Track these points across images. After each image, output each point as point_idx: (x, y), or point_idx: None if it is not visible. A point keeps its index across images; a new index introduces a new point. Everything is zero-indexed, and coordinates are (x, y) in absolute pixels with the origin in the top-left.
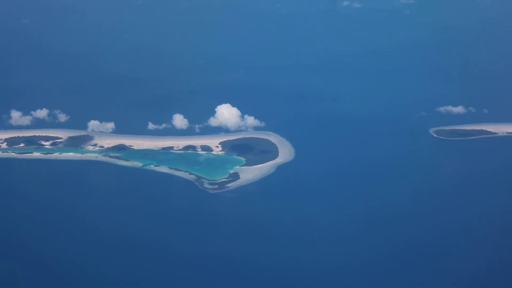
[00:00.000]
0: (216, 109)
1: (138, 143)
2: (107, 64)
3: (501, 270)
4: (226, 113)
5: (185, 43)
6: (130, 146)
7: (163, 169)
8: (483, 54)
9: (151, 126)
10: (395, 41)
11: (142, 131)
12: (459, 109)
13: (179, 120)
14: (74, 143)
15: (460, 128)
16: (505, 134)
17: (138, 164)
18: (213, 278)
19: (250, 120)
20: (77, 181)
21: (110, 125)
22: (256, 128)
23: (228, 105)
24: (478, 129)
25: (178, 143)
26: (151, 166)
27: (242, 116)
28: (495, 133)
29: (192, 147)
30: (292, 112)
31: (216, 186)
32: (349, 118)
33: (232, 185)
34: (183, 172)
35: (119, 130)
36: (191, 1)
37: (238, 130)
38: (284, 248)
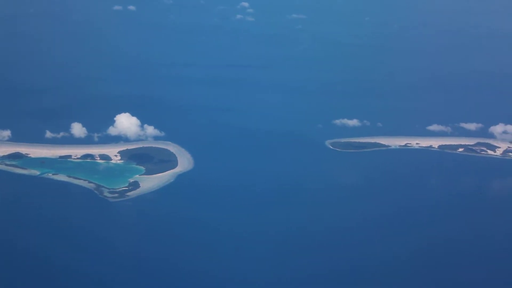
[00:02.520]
0: (115, 118)
1: (35, 151)
2: (4, 72)
3: None
4: (126, 123)
5: (83, 54)
6: (27, 154)
7: (62, 177)
8: (374, 70)
9: (48, 134)
10: (289, 55)
11: (39, 140)
12: (354, 122)
13: (77, 129)
14: None
15: (355, 140)
16: (397, 147)
17: (35, 172)
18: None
19: (150, 130)
20: None
21: (6, 133)
22: (156, 138)
23: (127, 114)
24: (372, 141)
25: (76, 151)
26: (49, 174)
27: (141, 126)
28: (388, 145)
29: (91, 156)
30: (189, 122)
31: (116, 195)
32: (247, 130)
33: (132, 193)
34: (82, 180)
35: (16, 138)
36: (86, 12)
37: (138, 139)
38: (186, 254)
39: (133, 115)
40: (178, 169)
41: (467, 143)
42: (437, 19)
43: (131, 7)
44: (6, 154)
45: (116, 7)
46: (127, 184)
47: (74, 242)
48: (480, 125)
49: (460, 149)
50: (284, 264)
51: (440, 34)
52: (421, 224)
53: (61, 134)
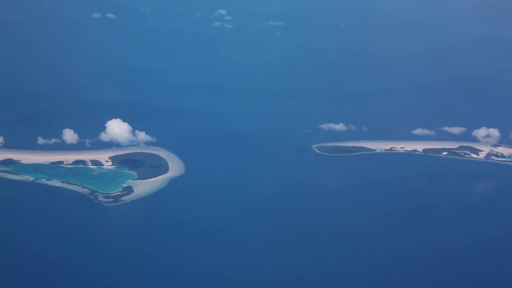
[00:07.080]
0: (106, 124)
1: (27, 157)
2: None
3: None
4: (117, 128)
5: (69, 60)
6: (19, 160)
7: (56, 183)
8: (356, 75)
9: (40, 140)
10: (269, 62)
11: (31, 146)
12: (340, 127)
13: (69, 135)
14: None
15: (341, 144)
16: (382, 150)
17: (29, 178)
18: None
19: (142, 136)
20: None
21: None
22: (148, 144)
23: (118, 120)
24: (358, 146)
25: (67, 157)
26: (43, 180)
27: (133, 132)
28: (373, 149)
29: (82, 162)
30: (178, 128)
31: (111, 200)
32: (235, 135)
33: (127, 198)
34: (76, 186)
35: (8, 145)
36: (64, 20)
37: (130, 145)
38: (183, 256)
39: (124, 121)
40: (169, 174)
41: (450, 147)
42: (414, 26)
43: (110, 15)
44: None
45: (95, 15)
46: (120, 189)
47: (74, 246)
48: (463, 129)
49: (444, 153)
50: (277, 266)
51: (418, 40)
52: (409, 227)
53: (53, 140)
